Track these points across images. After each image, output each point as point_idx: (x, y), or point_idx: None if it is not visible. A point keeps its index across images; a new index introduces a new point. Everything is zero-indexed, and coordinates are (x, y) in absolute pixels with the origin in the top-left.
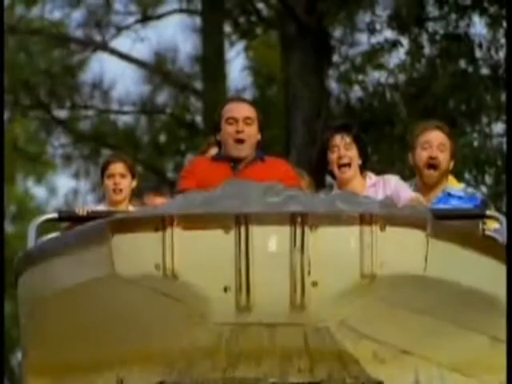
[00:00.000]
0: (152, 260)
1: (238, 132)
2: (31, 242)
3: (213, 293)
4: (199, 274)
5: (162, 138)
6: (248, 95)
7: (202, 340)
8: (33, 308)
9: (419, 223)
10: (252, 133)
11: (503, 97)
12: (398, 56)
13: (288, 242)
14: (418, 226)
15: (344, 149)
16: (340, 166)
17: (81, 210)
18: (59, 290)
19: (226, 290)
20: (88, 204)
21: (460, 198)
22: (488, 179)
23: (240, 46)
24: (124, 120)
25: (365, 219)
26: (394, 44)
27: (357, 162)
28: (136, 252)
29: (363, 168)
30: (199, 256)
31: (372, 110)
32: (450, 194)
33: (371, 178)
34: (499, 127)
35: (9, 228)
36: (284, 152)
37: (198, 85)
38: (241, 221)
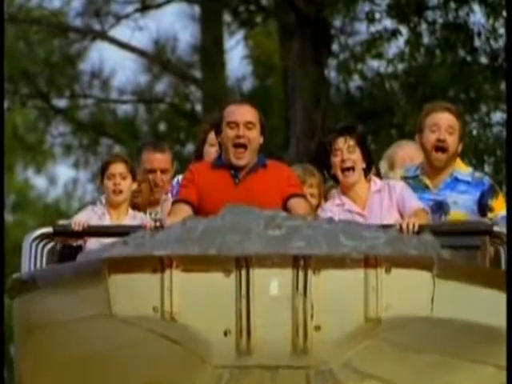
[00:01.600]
0: (150, 302)
1: (238, 137)
2: (26, 256)
3: (213, 336)
4: (199, 318)
5: (162, 127)
6: (247, 84)
7: (201, 383)
8: (26, 336)
9: (426, 264)
10: (253, 137)
11: (502, 86)
12: (398, 45)
13: (290, 285)
14: (424, 266)
15: (347, 152)
16: (343, 170)
17: (77, 225)
18: (53, 322)
19: (226, 333)
20: (87, 193)
21: (468, 183)
22: (487, 168)
23: (239, 35)
24: (123, 109)
25: (370, 262)
26: (394, 33)
27: (360, 165)
28: (133, 293)
29: (367, 171)
30: (199, 299)
31: (371, 99)
32: (457, 179)
33: (376, 182)
34: (498, 116)
35: (9, 217)
36: (283, 142)
37: (198, 74)
38: (242, 263)
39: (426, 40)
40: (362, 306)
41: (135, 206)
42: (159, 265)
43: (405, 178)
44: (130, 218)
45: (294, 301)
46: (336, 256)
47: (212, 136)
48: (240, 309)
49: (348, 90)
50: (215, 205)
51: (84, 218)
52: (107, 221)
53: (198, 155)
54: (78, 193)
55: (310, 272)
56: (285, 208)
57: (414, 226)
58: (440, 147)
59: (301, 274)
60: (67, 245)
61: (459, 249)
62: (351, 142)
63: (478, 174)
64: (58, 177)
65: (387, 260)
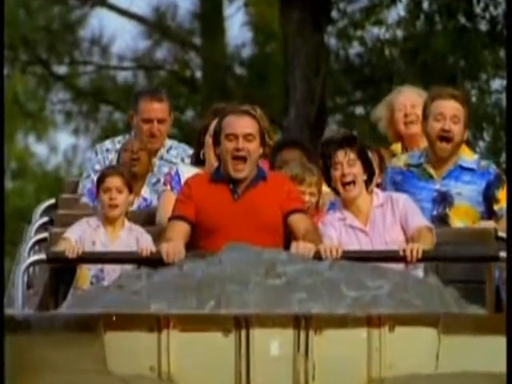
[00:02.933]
0: (147, 362)
1: (237, 150)
2: (18, 285)
3: None
4: (197, 378)
5: None
6: (247, 51)
7: None
8: (19, 378)
9: (431, 321)
10: (253, 150)
11: (502, 53)
12: (397, 12)
13: (291, 345)
14: (429, 323)
15: (347, 166)
16: (344, 184)
17: (71, 252)
18: (47, 370)
19: None
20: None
21: (473, 171)
22: (486, 135)
23: (239, 1)
24: (123, 76)
25: (373, 322)
26: (393, 0)
27: (362, 178)
28: (130, 351)
29: (369, 183)
30: (197, 359)
31: (371, 66)
32: (462, 167)
33: (378, 195)
34: (497, 83)
35: (9, 185)
36: (282, 108)
37: (198, 41)
38: (241, 323)
39: (425, 6)
40: (364, 367)
41: (133, 176)
42: (156, 324)
43: (408, 166)
44: (127, 230)
45: (295, 362)
46: (338, 315)
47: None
48: (239, 370)
49: (347, 57)
50: (214, 221)
51: (78, 232)
52: (102, 234)
53: (199, 145)
54: (77, 160)
55: (311, 332)
56: (285, 223)
57: (417, 252)
58: (445, 137)
59: (302, 334)
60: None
61: (465, 282)
62: (352, 155)
63: (483, 163)
64: (58, 144)
65: (391, 319)
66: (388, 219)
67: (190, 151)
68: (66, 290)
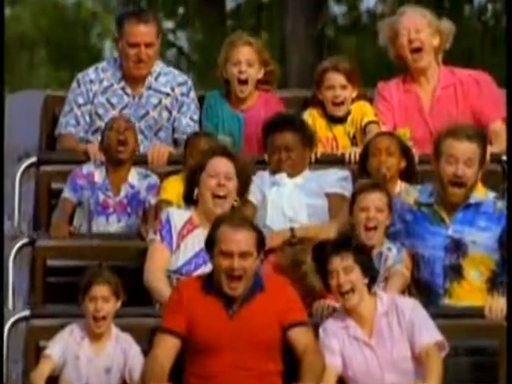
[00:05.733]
0: None
1: (232, 269)
2: None
3: None
4: None
5: None
6: None
7: None
8: None
9: None
10: (249, 266)
11: None
12: None
13: None
14: None
15: (344, 273)
16: (342, 294)
17: None
18: None
19: None
20: None
21: (488, 216)
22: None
23: None
24: None
25: None
26: None
27: (361, 283)
28: None
29: (372, 283)
30: None
31: None
32: (476, 208)
33: (382, 299)
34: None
35: (7, 11)
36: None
37: None
38: None
39: None
40: None
41: (119, 163)
42: None
43: (419, 205)
44: (113, 341)
45: None
46: None
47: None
48: None
49: None
50: (207, 338)
51: (61, 347)
52: (87, 348)
53: (192, 183)
54: None
55: None
56: (285, 337)
57: None
58: (457, 182)
59: None
60: None
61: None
62: (348, 261)
63: (500, 205)
64: None
65: None
66: (394, 331)
67: (180, 78)
68: None
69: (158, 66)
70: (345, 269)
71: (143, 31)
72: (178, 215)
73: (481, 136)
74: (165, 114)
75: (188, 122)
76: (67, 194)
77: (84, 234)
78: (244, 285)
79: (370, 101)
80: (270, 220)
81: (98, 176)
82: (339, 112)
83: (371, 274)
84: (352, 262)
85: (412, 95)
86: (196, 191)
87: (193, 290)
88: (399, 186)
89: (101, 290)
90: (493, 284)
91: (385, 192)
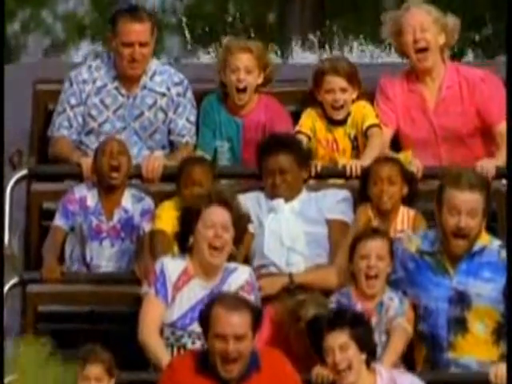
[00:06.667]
0: None
1: (227, 353)
2: None
3: None
4: None
5: None
6: None
7: None
8: None
9: None
10: (245, 348)
11: None
12: None
13: None
14: None
15: (339, 352)
16: (339, 371)
17: None
18: None
19: None
20: None
21: (493, 266)
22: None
23: None
24: None
25: None
26: None
27: (359, 359)
28: None
29: (370, 358)
30: None
31: None
32: (480, 258)
33: (381, 375)
34: None
35: None
36: None
37: None
38: None
39: None
40: None
41: (112, 188)
42: None
43: (421, 253)
44: None
45: None
46: None
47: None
48: None
49: None
50: None
51: None
52: None
53: (188, 230)
54: None
55: None
56: None
57: None
58: (460, 234)
59: None
60: None
61: None
62: (344, 338)
63: (504, 254)
64: None
65: None
66: None
67: (176, 77)
68: None
69: (154, 65)
70: (340, 346)
71: (138, 30)
72: (173, 266)
73: (484, 183)
74: (160, 115)
75: (184, 124)
76: (58, 221)
77: (77, 274)
78: (239, 367)
79: (371, 96)
80: (267, 249)
81: (91, 200)
82: (339, 115)
83: (369, 349)
84: (348, 339)
85: (416, 95)
86: (191, 239)
87: (187, 369)
88: (401, 212)
89: (94, 370)
90: (498, 336)
91: (386, 238)
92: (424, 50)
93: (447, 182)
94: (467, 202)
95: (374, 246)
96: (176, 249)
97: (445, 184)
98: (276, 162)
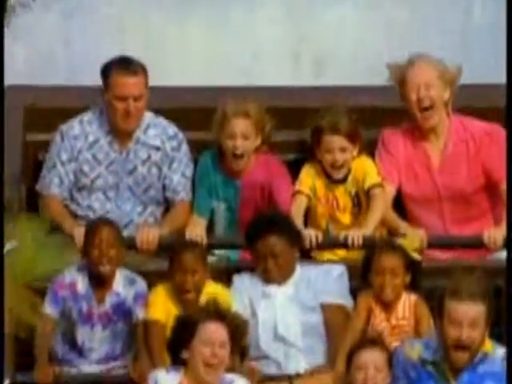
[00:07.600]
0: None
1: None
2: None
3: None
4: None
5: None
6: None
7: None
8: None
9: None
10: None
11: None
12: None
13: None
14: None
15: None
16: None
17: None
18: None
19: None
20: None
21: (497, 377)
22: None
23: None
24: None
25: None
26: None
27: None
28: None
29: None
30: None
31: None
32: (483, 366)
33: None
34: None
35: None
36: None
37: None
38: None
39: None
40: None
41: (99, 276)
42: None
43: (423, 362)
44: None
45: None
46: None
47: None
48: None
49: None
50: None
51: None
52: None
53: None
54: None
55: None
56: None
57: None
58: (461, 346)
59: None
60: None
61: None
62: None
63: None
64: None
65: None
66: None
67: (171, 130)
68: None
69: (147, 117)
70: None
71: (132, 83)
72: (166, 381)
73: (486, 292)
74: (154, 171)
75: (179, 180)
76: (48, 309)
77: (70, 376)
78: None
79: (372, 145)
80: (262, 341)
81: (81, 285)
82: (339, 175)
83: None
84: None
85: (420, 151)
86: (185, 353)
87: None
88: (403, 299)
89: None
90: None
91: (384, 348)
92: (429, 108)
93: (447, 293)
94: (468, 313)
95: (372, 358)
96: None
97: (445, 295)
98: (267, 246)
